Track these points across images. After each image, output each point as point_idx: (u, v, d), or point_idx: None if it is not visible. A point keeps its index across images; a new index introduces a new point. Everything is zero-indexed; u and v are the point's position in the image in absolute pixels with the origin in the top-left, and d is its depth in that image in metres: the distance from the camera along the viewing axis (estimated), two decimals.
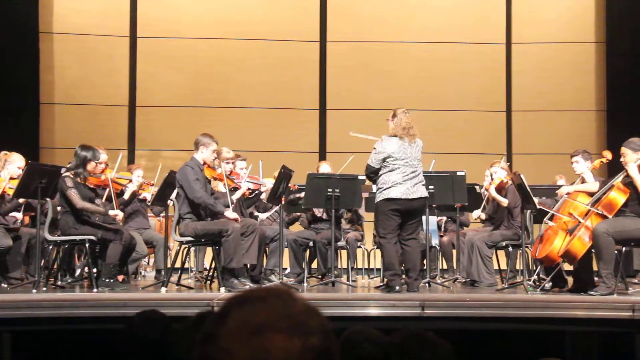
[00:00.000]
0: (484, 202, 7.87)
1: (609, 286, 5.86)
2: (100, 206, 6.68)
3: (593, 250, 6.08)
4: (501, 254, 7.93)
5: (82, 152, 6.60)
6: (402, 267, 6.60)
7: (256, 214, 8.15)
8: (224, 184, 6.84)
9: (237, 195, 7.07)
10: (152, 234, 7.98)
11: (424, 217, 7.30)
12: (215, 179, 6.93)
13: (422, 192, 6.38)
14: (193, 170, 6.59)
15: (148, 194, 7.70)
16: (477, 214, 7.86)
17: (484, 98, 11.23)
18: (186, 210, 6.58)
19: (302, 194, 7.55)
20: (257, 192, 7.69)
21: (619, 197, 6.04)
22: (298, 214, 8.45)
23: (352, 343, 2.38)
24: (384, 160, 6.37)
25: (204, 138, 6.75)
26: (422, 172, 6.49)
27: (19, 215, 7.13)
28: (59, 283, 6.91)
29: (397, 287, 6.20)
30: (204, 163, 6.72)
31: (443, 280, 7.85)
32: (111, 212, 6.68)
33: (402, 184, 6.31)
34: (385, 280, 6.44)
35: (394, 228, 6.36)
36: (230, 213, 6.50)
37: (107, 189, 6.91)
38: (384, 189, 6.34)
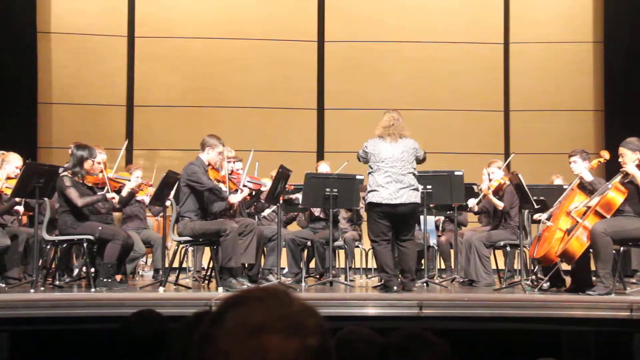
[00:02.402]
0: (480, 196, 7.89)
1: (607, 286, 5.86)
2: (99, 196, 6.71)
3: (591, 250, 6.09)
4: (499, 253, 7.93)
5: (78, 151, 6.61)
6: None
7: (263, 214, 8.13)
8: (226, 186, 6.85)
9: (239, 198, 7.05)
10: (150, 233, 7.97)
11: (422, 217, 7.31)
12: (218, 181, 6.92)
13: (407, 197, 6.20)
14: (199, 168, 6.62)
15: (146, 198, 7.69)
16: (473, 202, 7.82)
17: (482, 98, 11.24)
18: (187, 209, 6.56)
19: (299, 195, 7.55)
20: (257, 192, 7.67)
21: (617, 197, 6.04)
22: (295, 213, 8.44)
23: (346, 344, 2.37)
24: (367, 158, 6.39)
25: (210, 139, 6.74)
26: (415, 173, 6.37)
27: (19, 207, 7.09)
28: (57, 283, 6.90)
29: (395, 287, 6.20)
30: (209, 164, 6.72)
31: (441, 280, 7.85)
32: (108, 196, 6.69)
33: (384, 187, 6.21)
34: (383, 281, 6.44)
35: (384, 232, 6.32)
36: (234, 197, 6.61)
37: (105, 187, 6.90)
38: (369, 192, 6.33)
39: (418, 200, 6.35)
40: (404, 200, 6.21)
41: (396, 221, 6.31)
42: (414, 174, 6.35)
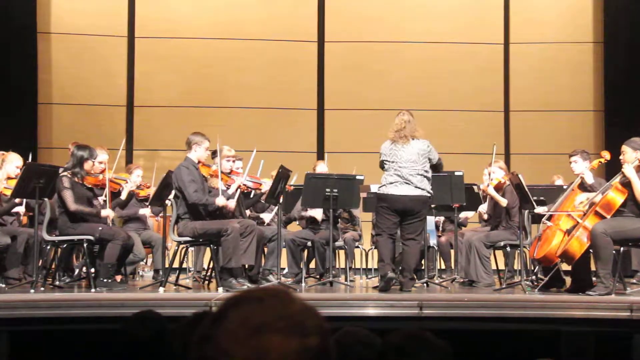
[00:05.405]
0: (486, 202, 7.89)
1: (607, 286, 5.86)
2: (97, 206, 6.70)
3: (591, 251, 6.08)
4: (499, 254, 7.93)
5: (78, 151, 6.62)
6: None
7: (262, 216, 8.12)
8: (220, 179, 6.83)
9: (234, 187, 6.99)
10: (150, 234, 7.98)
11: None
12: (211, 176, 6.94)
13: (411, 190, 6.33)
14: (188, 170, 6.60)
15: (147, 211, 7.79)
16: (484, 208, 7.84)
17: (482, 98, 11.23)
18: (184, 211, 6.59)
19: (313, 213, 7.62)
20: (256, 191, 7.67)
21: (617, 197, 6.04)
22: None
23: (343, 345, 2.37)
24: (383, 162, 6.50)
25: (195, 137, 6.77)
26: (426, 176, 6.43)
27: (21, 209, 7.10)
28: (57, 283, 6.91)
29: (390, 275, 6.22)
30: (199, 161, 6.73)
31: (441, 280, 7.85)
32: (103, 213, 6.66)
33: (393, 184, 6.36)
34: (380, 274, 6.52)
35: (389, 226, 6.41)
36: (220, 199, 6.53)
37: (105, 189, 6.90)
38: (378, 188, 6.50)
39: (424, 194, 6.40)
40: (407, 192, 6.32)
41: (402, 215, 6.38)
42: (424, 176, 6.42)
